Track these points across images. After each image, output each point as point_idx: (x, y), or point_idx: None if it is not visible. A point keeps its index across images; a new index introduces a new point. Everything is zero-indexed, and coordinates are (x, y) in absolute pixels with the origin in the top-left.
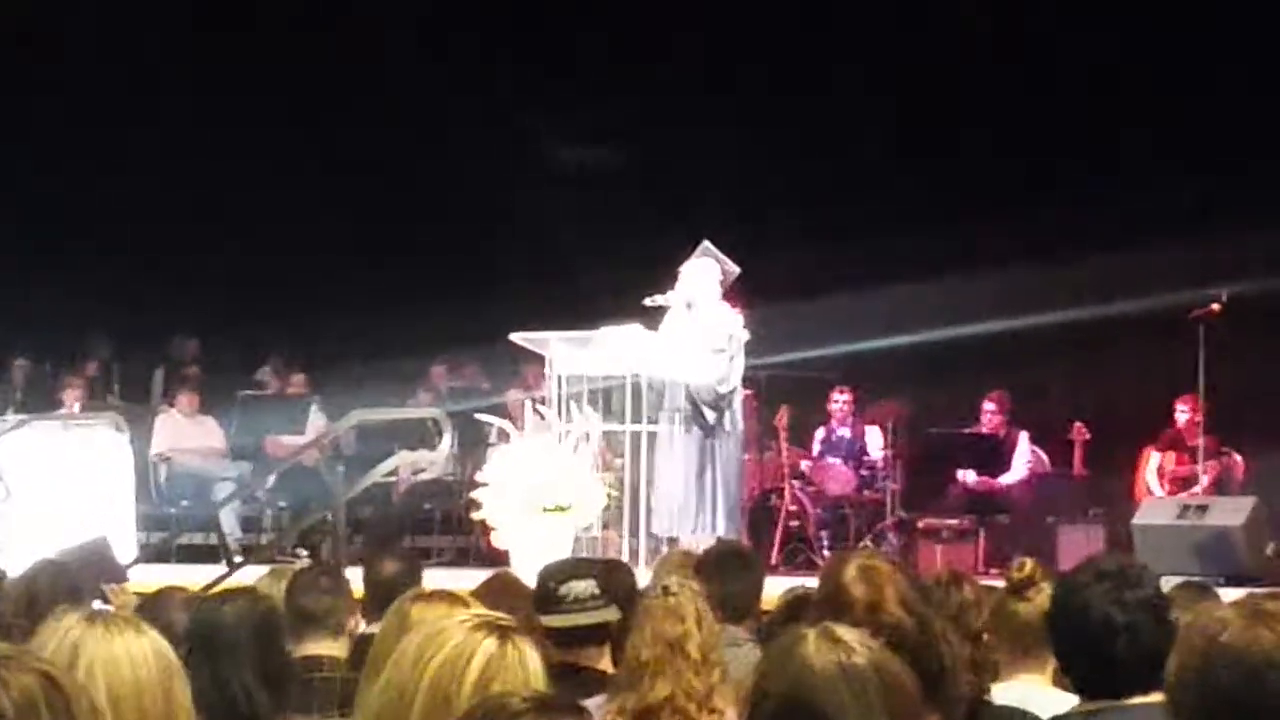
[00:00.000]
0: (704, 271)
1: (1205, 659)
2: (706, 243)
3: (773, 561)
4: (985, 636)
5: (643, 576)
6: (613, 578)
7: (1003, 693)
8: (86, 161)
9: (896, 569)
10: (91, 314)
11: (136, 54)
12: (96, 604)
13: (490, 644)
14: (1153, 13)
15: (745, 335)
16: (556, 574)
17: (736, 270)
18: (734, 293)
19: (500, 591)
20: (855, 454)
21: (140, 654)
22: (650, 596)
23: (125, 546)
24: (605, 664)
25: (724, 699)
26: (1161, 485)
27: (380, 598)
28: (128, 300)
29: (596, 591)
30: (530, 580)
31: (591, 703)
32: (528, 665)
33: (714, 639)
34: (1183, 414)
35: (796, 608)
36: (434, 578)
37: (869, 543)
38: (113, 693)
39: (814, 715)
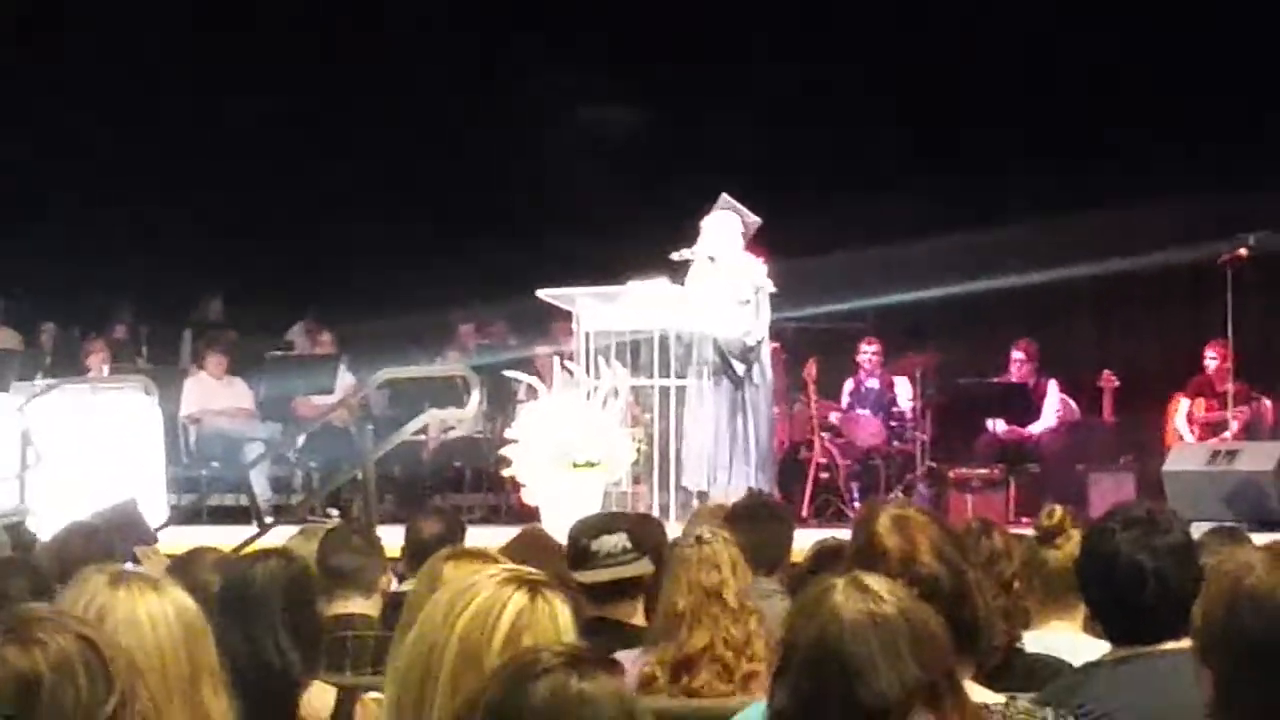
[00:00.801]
0: (725, 224)
1: (1230, 603)
2: (725, 195)
3: (803, 513)
4: (1016, 585)
5: (673, 530)
6: (644, 532)
7: (1034, 640)
8: (114, 126)
9: (930, 519)
10: (118, 278)
11: (168, 19)
12: (128, 566)
13: (520, 598)
14: None
15: (770, 286)
16: (588, 529)
17: (757, 221)
18: (758, 243)
19: (530, 547)
20: (884, 405)
21: (161, 615)
22: (684, 546)
23: (156, 509)
24: (638, 618)
25: (762, 646)
26: (1191, 431)
27: (420, 557)
28: (155, 263)
29: (629, 545)
30: (561, 536)
31: (624, 655)
32: (558, 619)
33: (749, 587)
34: (1212, 360)
35: (825, 558)
36: (467, 535)
37: (899, 493)
38: (134, 654)
39: (843, 664)
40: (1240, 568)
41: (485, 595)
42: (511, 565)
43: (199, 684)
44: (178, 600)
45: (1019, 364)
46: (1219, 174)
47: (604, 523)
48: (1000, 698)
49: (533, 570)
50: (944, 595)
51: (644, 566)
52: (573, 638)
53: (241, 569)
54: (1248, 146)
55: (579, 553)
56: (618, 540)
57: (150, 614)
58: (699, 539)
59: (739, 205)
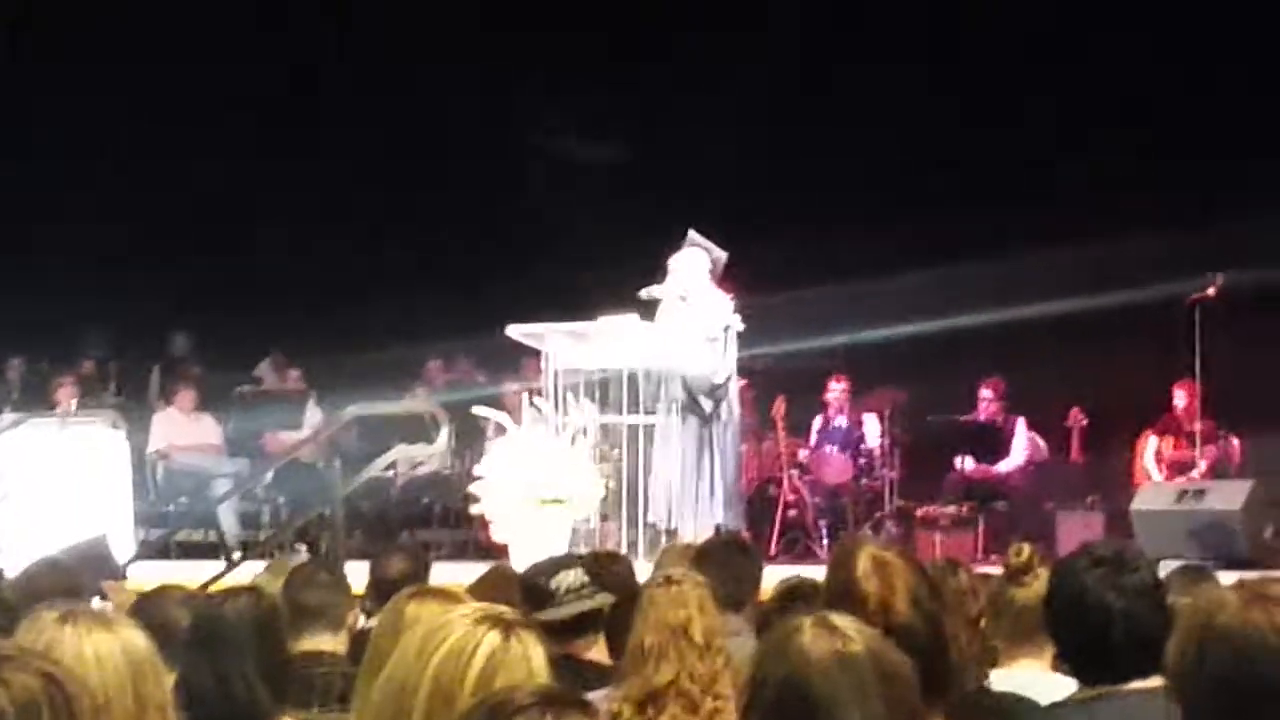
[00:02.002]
0: (693, 261)
1: (1202, 641)
2: (692, 232)
3: (771, 551)
4: (983, 623)
5: (642, 568)
6: (608, 568)
7: (1002, 679)
8: (83, 160)
9: (907, 563)
10: (88, 312)
11: (129, 45)
12: (95, 602)
13: (493, 638)
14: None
15: (739, 324)
16: (543, 570)
17: (724, 256)
18: (726, 279)
19: (497, 585)
20: (853, 443)
21: (108, 652)
22: (653, 586)
23: (123, 544)
24: (601, 654)
25: (728, 684)
26: (1159, 470)
27: (385, 594)
28: (124, 298)
29: (586, 580)
30: None
31: (593, 696)
32: (531, 659)
33: (717, 626)
34: (1180, 399)
35: (792, 596)
36: (433, 572)
37: (868, 531)
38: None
39: (811, 703)
40: (1213, 605)
41: (458, 634)
42: (482, 604)
43: None
44: (127, 638)
45: (987, 402)
46: (1189, 211)
47: (559, 561)
48: None
49: (506, 610)
50: (919, 643)
51: (603, 599)
52: (546, 677)
53: (212, 606)
54: (1217, 183)
55: (537, 592)
56: (575, 576)
57: (97, 652)
58: (668, 579)
59: (707, 242)
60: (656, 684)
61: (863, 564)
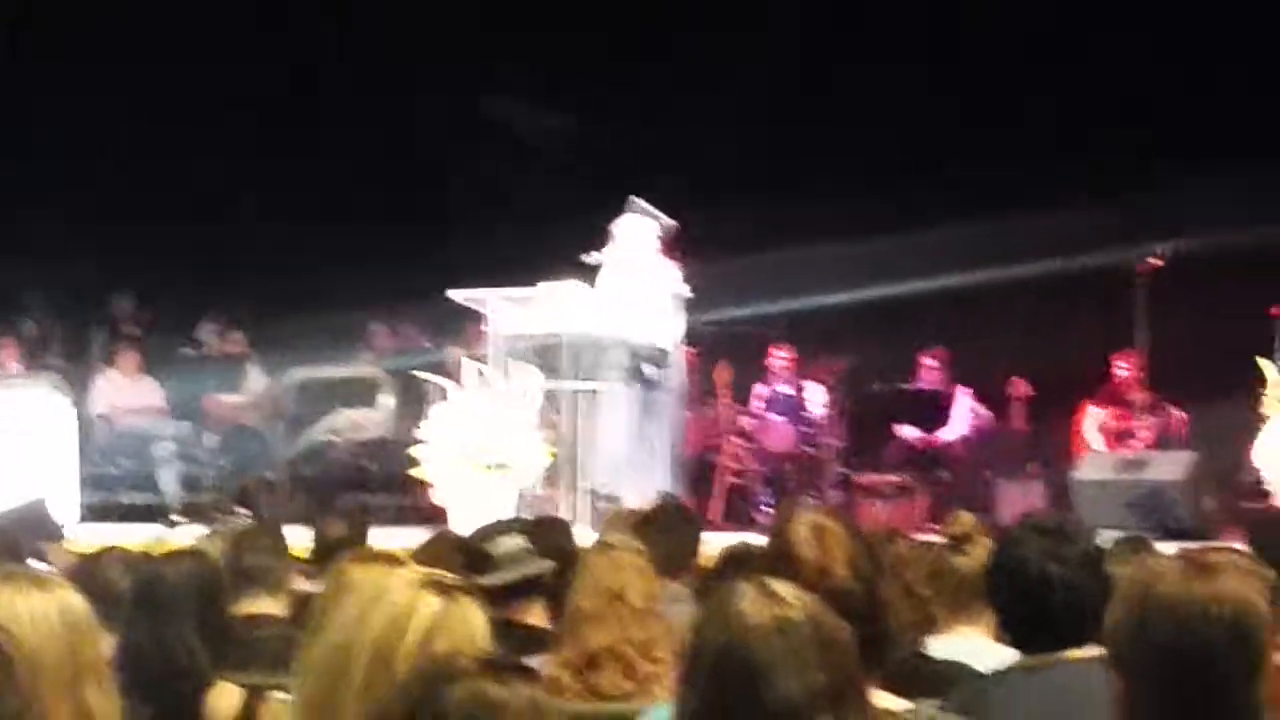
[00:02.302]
0: (636, 228)
1: (1141, 610)
2: (634, 198)
3: (713, 518)
4: (921, 592)
5: (584, 534)
6: (547, 535)
7: (942, 647)
8: (24, 126)
9: (846, 529)
10: (30, 275)
11: (88, 15)
12: (35, 564)
13: (434, 602)
14: None
15: (683, 290)
16: (484, 535)
17: (670, 223)
18: (672, 247)
19: (440, 551)
20: (796, 410)
21: (43, 614)
22: (591, 551)
23: (66, 507)
24: (540, 618)
25: (665, 649)
26: (1101, 440)
27: (325, 557)
28: (66, 261)
29: (526, 545)
30: None
31: (533, 661)
32: (471, 623)
33: (655, 592)
34: (1122, 369)
35: (733, 564)
36: (374, 536)
37: (810, 499)
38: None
39: (749, 669)
40: (1150, 576)
41: (399, 599)
42: (423, 569)
43: (82, 683)
44: (63, 598)
45: (930, 370)
46: (1134, 181)
47: (499, 527)
48: (906, 704)
49: (447, 574)
50: (857, 609)
51: (542, 565)
52: (486, 642)
53: (153, 569)
54: (1162, 152)
55: (477, 557)
56: (514, 542)
57: (32, 613)
58: (606, 544)
59: (651, 209)
60: (593, 648)
61: (801, 530)
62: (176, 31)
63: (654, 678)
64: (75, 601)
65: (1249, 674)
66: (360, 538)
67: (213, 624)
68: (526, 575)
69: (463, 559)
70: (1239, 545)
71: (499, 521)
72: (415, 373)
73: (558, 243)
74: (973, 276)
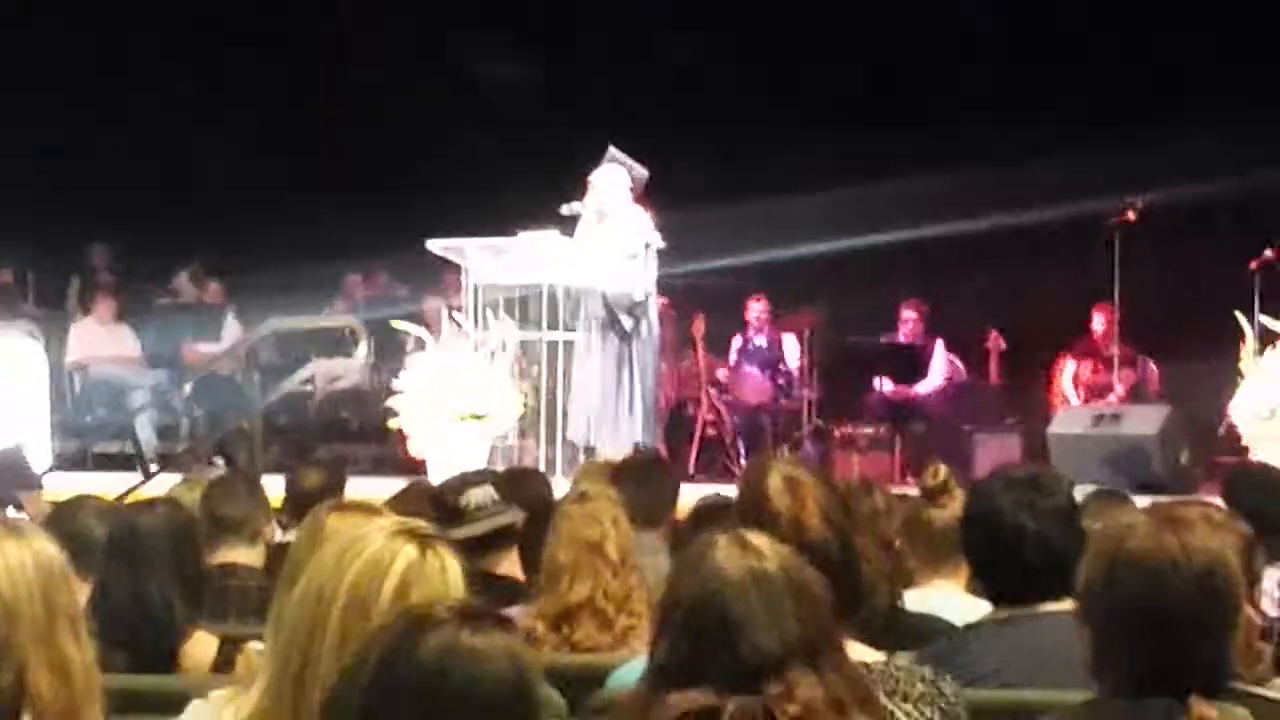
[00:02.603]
0: (613, 177)
1: (1111, 564)
2: (612, 148)
3: (689, 470)
4: (897, 544)
5: (560, 485)
6: (523, 485)
7: (917, 600)
8: (4, 73)
9: (819, 480)
10: (5, 222)
11: None
12: (11, 512)
13: (410, 551)
14: None
15: (659, 241)
16: (454, 486)
17: (645, 174)
18: (646, 197)
19: (415, 500)
20: (772, 362)
21: (17, 562)
22: (568, 502)
23: (40, 454)
24: (513, 568)
25: (641, 601)
26: (1077, 393)
27: (301, 507)
28: (42, 208)
29: (496, 497)
30: None
31: (508, 612)
32: (448, 573)
33: (631, 543)
34: (1098, 323)
35: (708, 515)
36: (350, 486)
37: (786, 451)
38: None
39: (724, 620)
40: (1122, 530)
41: (375, 547)
42: (400, 518)
43: (56, 631)
44: (36, 547)
45: (910, 323)
46: (1111, 132)
47: (470, 478)
48: (880, 656)
49: (423, 524)
50: (831, 560)
51: (513, 515)
52: (462, 592)
53: (128, 517)
54: (1140, 101)
55: (447, 509)
56: (485, 493)
57: (5, 561)
58: (582, 495)
59: (627, 158)
60: (571, 601)
61: (774, 481)
62: None
63: (630, 630)
64: (50, 550)
65: (1220, 628)
66: (337, 488)
67: (188, 573)
68: (498, 526)
69: (432, 509)
70: (1214, 500)
71: (470, 472)
72: (392, 322)
73: (536, 193)
74: (949, 228)
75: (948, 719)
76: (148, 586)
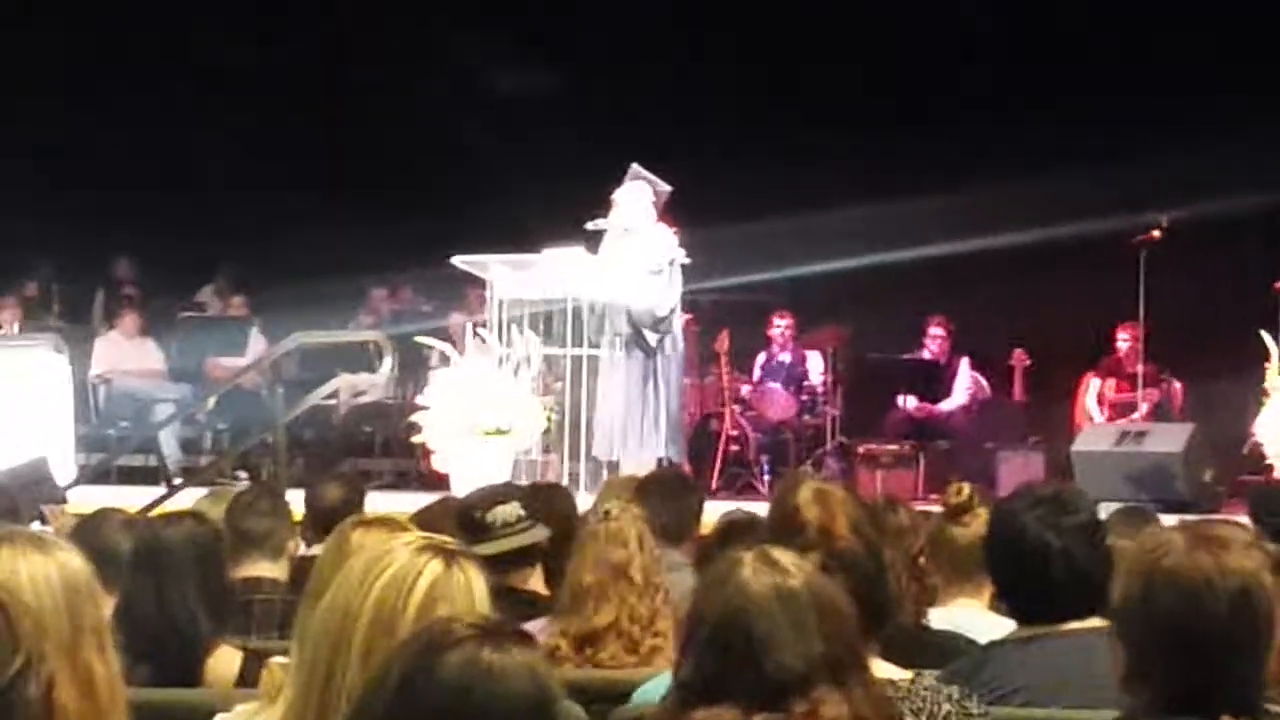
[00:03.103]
0: (637, 195)
1: (1147, 581)
2: (636, 165)
3: (712, 486)
4: (922, 561)
5: (584, 500)
6: (548, 500)
7: (941, 618)
8: (25, 82)
9: (848, 494)
10: (31, 235)
11: None
12: (35, 525)
13: (436, 566)
14: None
15: (683, 257)
16: (480, 502)
17: (668, 189)
18: (671, 213)
19: (440, 516)
20: (796, 379)
21: (43, 574)
22: (592, 522)
23: (64, 468)
24: (538, 584)
25: (666, 620)
26: (1101, 412)
27: (321, 522)
28: (68, 221)
29: (523, 513)
30: None
31: (530, 626)
32: (473, 589)
33: (655, 563)
34: (1123, 341)
35: (733, 531)
36: (373, 500)
37: (809, 468)
38: (19, 615)
39: (749, 637)
40: (1159, 547)
41: (401, 563)
42: (425, 533)
43: (80, 645)
44: (62, 560)
45: (935, 340)
46: (1137, 149)
47: (496, 493)
48: (906, 674)
49: (448, 539)
50: (860, 571)
51: (539, 533)
52: (487, 608)
53: (154, 531)
54: (1166, 119)
55: (473, 525)
56: (511, 510)
57: (31, 574)
58: (607, 514)
59: (650, 175)
60: (596, 625)
61: (804, 493)
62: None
63: (656, 650)
64: (76, 563)
65: (1254, 647)
66: (357, 502)
67: (212, 587)
68: (523, 545)
69: (458, 525)
70: (1241, 519)
71: (494, 487)
72: (417, 338)
73: (561, 209)
74: (974, 245)
75: None
76: (172, 600)
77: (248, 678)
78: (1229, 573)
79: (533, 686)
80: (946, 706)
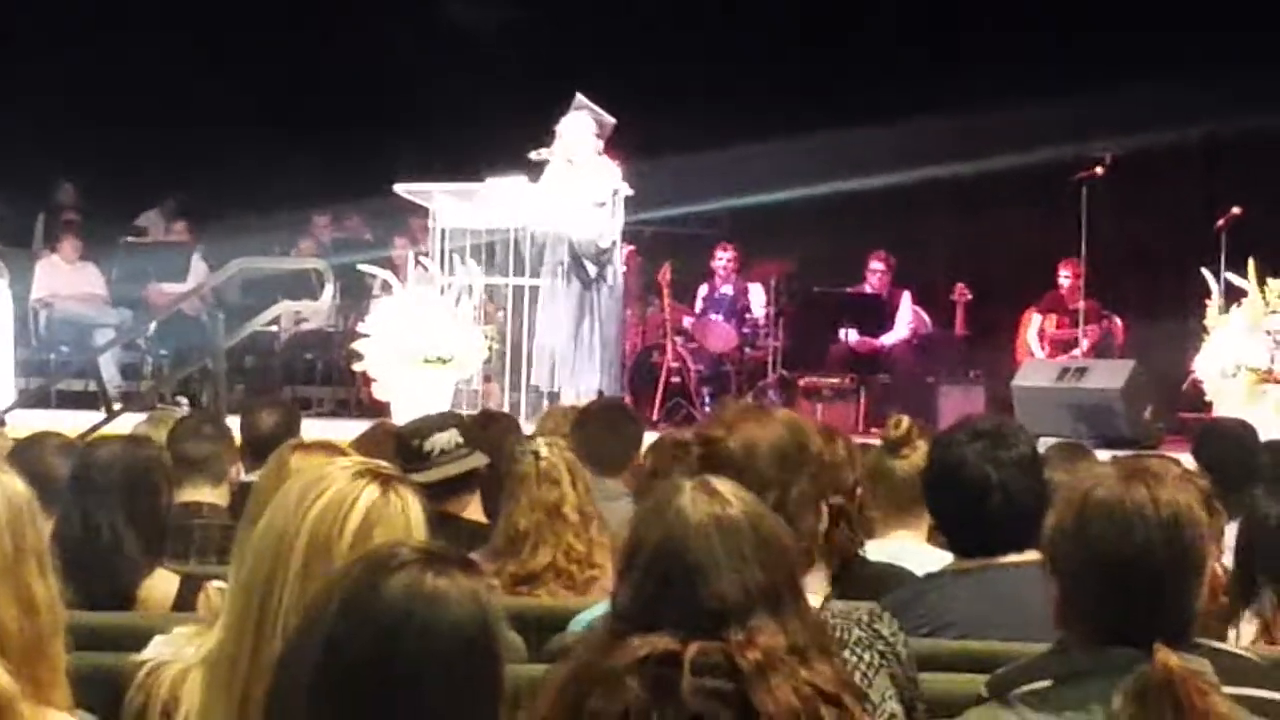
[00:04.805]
0: (580, 125)
1: (1080, 513)
2: (579, 95)
3: (654, 417)
4: (859, 492)
5: (525, 429)
6: (492, 428)
7: (878, 549)
8: None
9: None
10: None
11: None
12: None
13: (373, 491)
14: None
15: (626, 189)
16: (419, 429)
17: (612, 121)
18: (615, 146)
19: (380, 441)
20: (738, 311)
21: None
22: (522, 460)
23: (3, 392)
24: (476, 512)
25: (604, 551)
26: (1042, 347)
27: (258, 448)
28: (8, 146)
29: (461, 441)
30: None
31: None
32: (410, 514)
33: (588, 494)
34: (1065, 277)
35: (660, 447)
36: (314, 428)
37: (750, 399)
38: None
39: (686, 565)
40: (1092, 479)
41: (337, 487)
42: (363, 458)
43: (23, 566)
44: (6, 483)
45: (877, 274)
46: (1080, 80)
47: (434, 421)
48: (815, 599)
49: (385, 464)
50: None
51: (477, 460)
52: (424, 533)
53: (85, 453)
54: (1109, 52)
55: (411, 452)
56: (449, 437)
57: None
58: (536, 455)
59: (594, 106)
60: (534, 566)
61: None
62: None
63: (593, 581)
64: (18, 486)
65: (1186, 579)
66: (293, 429)
67: (144, 509)
68: (461, 472)
69: (396, 452)
70: (1179, 454)
71: (434, 415)
72: (358, 266)
73: (503, 138)
74: (916, 176)
75: (886, 660)
76: (98, 522)
77: (185, 602)
78: (1161, 504)
79: (476, 611)
80: (857, 631)
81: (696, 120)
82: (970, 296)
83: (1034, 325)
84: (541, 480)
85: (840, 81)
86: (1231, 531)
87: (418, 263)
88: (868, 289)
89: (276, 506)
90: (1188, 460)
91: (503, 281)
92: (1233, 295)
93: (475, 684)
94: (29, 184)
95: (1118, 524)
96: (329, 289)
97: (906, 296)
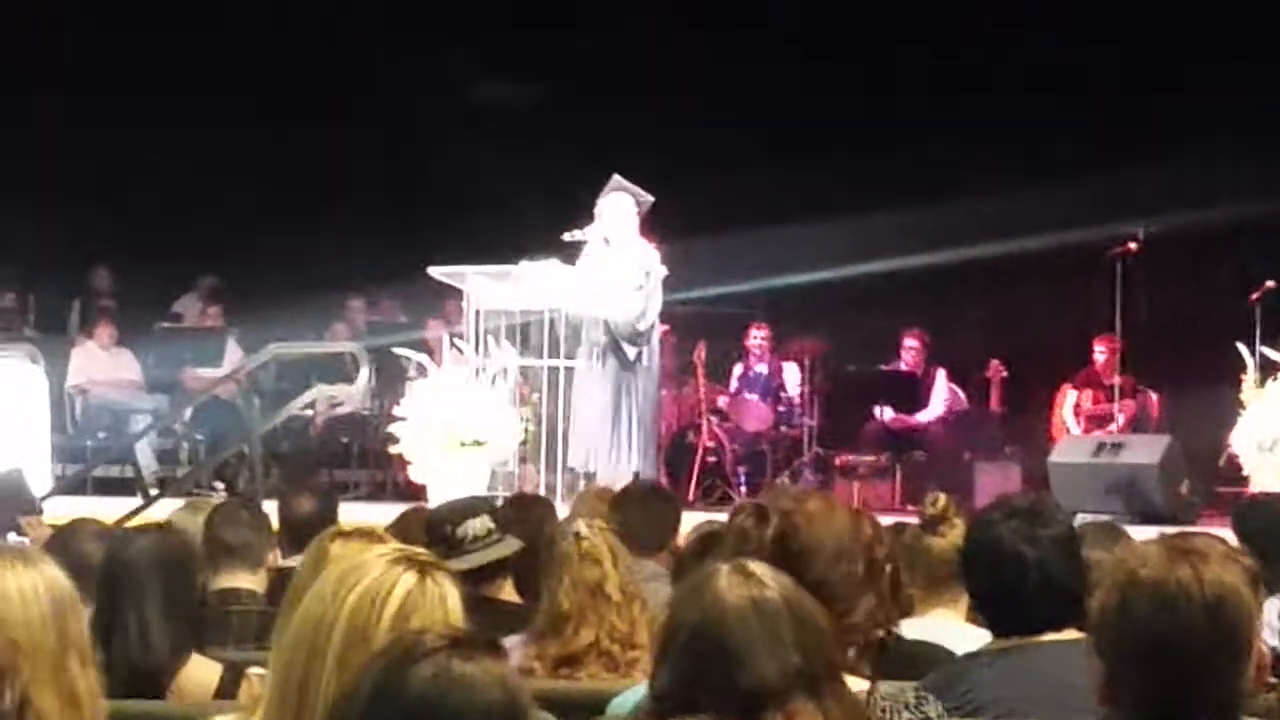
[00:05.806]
0: (618, 206)
1: (1125, 592)
2: (616, 176)
3: (690, 497)
4: (889, 570)
5: (561, 512)
6: (528, 511)
7: (916, 628)
8: (4, 94)
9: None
10: (6, 244)
11: None
12: (11, 536)
13: (409, 578)
14: None
15: (663, 270)
16: (451, 516)
17: (650, 200)
18: (650, 227)
19: (412, 528)
20: (773, 390)
21: (31, 589)
22: (563, 541)
23: (40, 479)
24: (510, 594)
25: (645, 634)
26: (1078, 423)
27: (295, 533)
28: (44, 230)
29: (493, 526)
30: None
31: (507, 642)
32: (447, 600)
33: (630, 573)
34: (1100, 353)
35: (708, 543)
36: (350, 511)
37: (786, 479)
38: (3, 629)
39: (724, 648)
40: (1137, 559)
41: (374, 574)
42: (401, 545)
43: (66, 659)
44: (48, 574)
45: (911, 352)
46: (1113, 159)
47: (466, 507)
48: (862, 684)
49: (422, 551)
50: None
51: (510, 546)
52: (460, 619)
53: (118, 544)
54: (1143, 130)
55: (444, 540)
56: (481, 524)
57: (20, 588)
58: (577, 535)
59: (631, 185)
60: (576, 647)
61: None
62: (158, 3)
63: (635, 663)
64: (61, 578)
65: (1232, 660)
66: (331, 514)
67: (178, 600)
68: (494, 559)
69: (428, 539)
70: (1217, 530)
71: (464, 500)
72: (394, 349)
73: (540, 221)
74: (951, 256)
75: None
76: (129, 614)
77: (228, 689)
78: (1207, 584)
79: (503, 696)
80: (906, 714)
81: (731, 200)
82: (1005, 373)
83: (1069, 401)
84: (583, 560)
85: (875, 161)
86: (1270, 607)
87: (453, 345)
88: (902, 367)
89: (314, 594)
90: (1230, 536)
91: (538, 363)
92: (1268, 369)
93: None
94: (64, 270)
95: (1163, 603)
96: (364, 372)
97: (941, 374)
